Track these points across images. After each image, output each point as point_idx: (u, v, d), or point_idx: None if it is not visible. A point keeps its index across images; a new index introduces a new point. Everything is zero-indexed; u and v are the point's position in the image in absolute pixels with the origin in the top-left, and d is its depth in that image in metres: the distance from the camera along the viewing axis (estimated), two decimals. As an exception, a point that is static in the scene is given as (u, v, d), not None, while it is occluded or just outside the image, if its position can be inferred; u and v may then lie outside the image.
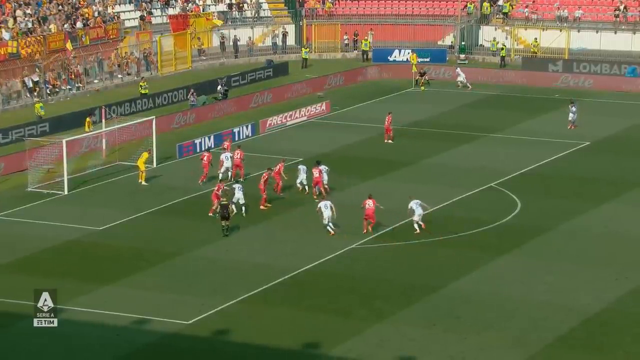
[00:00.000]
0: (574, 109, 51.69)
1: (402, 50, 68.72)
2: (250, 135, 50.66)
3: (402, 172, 44.90)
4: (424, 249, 35.36)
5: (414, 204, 36.66)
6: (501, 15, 72.68)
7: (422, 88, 62.12)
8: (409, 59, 66.48)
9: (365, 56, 70.42)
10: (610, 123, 53.49)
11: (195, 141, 48.34)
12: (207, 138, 48.90)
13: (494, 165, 45.75)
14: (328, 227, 36.27)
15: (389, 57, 69.09)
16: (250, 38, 71.75)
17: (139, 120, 48.65)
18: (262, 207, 38.74)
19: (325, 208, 36.41)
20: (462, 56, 69.57)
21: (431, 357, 27.14)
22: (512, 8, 72.84)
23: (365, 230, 36.45)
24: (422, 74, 62.89)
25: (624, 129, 52.56)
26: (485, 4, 72.98)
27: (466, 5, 73.35)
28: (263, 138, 50.71)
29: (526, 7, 72.37)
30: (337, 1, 75.88)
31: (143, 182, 42.94)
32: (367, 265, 33.98)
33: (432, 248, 35.37)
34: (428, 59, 67.51)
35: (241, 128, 50.77)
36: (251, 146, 47.57)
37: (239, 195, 38.21)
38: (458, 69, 63.24)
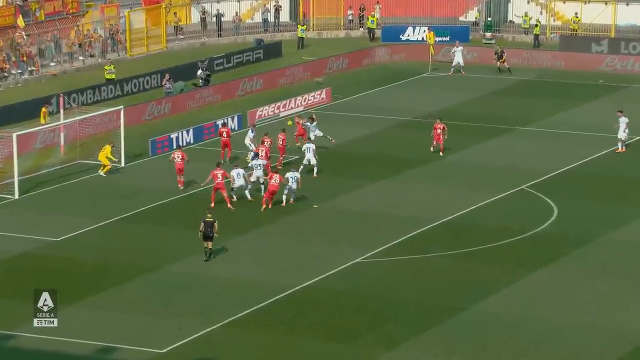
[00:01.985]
0: (624, 121, 46.52)
1: (417, 28, 68.87)
2: (236, 128, 50.71)
3: (417, 172, 44.99)
4: (444, 262, 35.45)
5: (290, 176, 40.09)
6: (535, -14, 72.86)
7: (503, 68, 61.76)
8: (425, 38, 66.63)
9: (372, 35, 70.57)
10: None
11: (172, 135, 48.41)
12: (185, 132, 49.00)
13: (526, 164, 45.81)
14: (232, 195, 40.21)
15: (401, 36, 69.24)
16: (236, 13, 71.86)
17: (104, 111, 48.68)
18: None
19: (238, 177, 40.01)
20: (489, 34, 69.73)
21: (452, 391, 27.28)
22: (548, -23, 73.04)
23: (264, 207, 39.64)
24: (500, 56, 62.26)
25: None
26: (516, -27, 73.22)
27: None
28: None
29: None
30: (340, -31, 76.04)
31: (102, 174, 43.74)
32: (377, 282, 34.06)
33: (454, 262, 35.47)
34: (448, 38, 67.61)
35: (226, 120, 50.82)
36: (235, 142, 47.55)
37: (239, 182, 40.24)
38: (459, 49, 61.82)
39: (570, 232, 38.01)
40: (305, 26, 70.03)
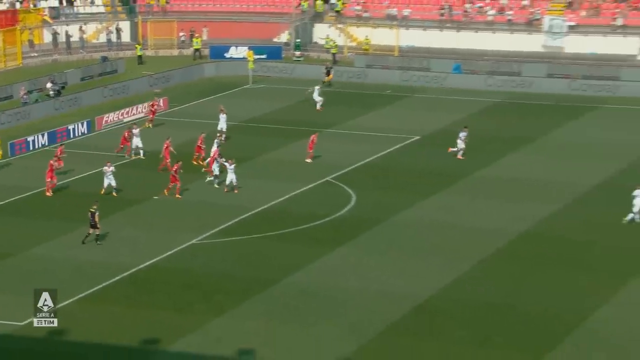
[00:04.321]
0: (463, 135, 46.72)
1: (239, 47, 69.07)
2: (86, 132, 49.73)
3: (241, 168, 45.03)
4: (263, 243, 35.75)
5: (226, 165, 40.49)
6: (334, 13, 74.03)
7: (326, 83, 61.42)
8: (245, 56, 66.83)
9: (198, 54, 70.28)
10: (437, 118, 55.32)
11: (28, 139, 47.07)
12: (40, 135, 47.71)
13: (331, 159, 46.59)
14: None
15: (225, 54, 69.30)
16: (82, 30, 70.05)
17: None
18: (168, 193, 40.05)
19: (108, 177, 39.81)
20: (298, 53, 70.52)
21: (270, 349, 27.55)
22: (344, 6, 74.27)
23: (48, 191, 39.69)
24: (328, 72, 62.53)
25: (450, 124, 54.46)
26: (318, 2, 74.16)
27: (300, 3, 74.30)
28: (99, 136, 49.87)
29: (357, 5, 73.98)
30: (173, -3, 75.41)
31: None
32: (208, 260, 34.08)
33: (271, 242, 35.81)
34: (265, 56, 68.08)
35: (76, 125, 49.81)
36: (86, 144, 46.67)
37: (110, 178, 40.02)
38: (318, 88, 57.02)
39: (365, 215, 38.89)
40: (141, 45, 69.12)
